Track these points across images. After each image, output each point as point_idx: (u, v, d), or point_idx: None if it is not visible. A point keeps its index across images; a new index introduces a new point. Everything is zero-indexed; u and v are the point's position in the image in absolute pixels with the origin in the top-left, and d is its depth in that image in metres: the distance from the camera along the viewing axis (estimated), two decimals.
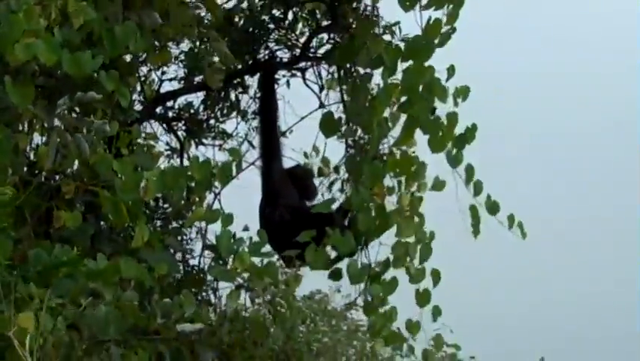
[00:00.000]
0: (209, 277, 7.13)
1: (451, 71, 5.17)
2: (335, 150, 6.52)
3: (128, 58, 5.87)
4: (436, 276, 5.47)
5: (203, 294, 7.25)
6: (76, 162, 5.00)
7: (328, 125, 5.28)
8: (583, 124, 16.97)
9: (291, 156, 6.58)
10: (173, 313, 4.84)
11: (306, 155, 6.70)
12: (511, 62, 16.74)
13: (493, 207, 5.57)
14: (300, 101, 6.92)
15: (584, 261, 16.68)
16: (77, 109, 5.17)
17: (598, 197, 17.07)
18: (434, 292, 5.55)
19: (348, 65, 5.98)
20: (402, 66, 5.06)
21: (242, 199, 6.58)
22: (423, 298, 5.46)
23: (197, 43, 6.78)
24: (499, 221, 5.60)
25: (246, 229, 6.15)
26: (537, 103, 17.52)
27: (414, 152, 5.57)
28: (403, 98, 5.08)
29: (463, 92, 5.48)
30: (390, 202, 5.41)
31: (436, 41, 4.99)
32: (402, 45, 5.15)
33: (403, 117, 5.21)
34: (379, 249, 5.44)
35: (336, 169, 6.43)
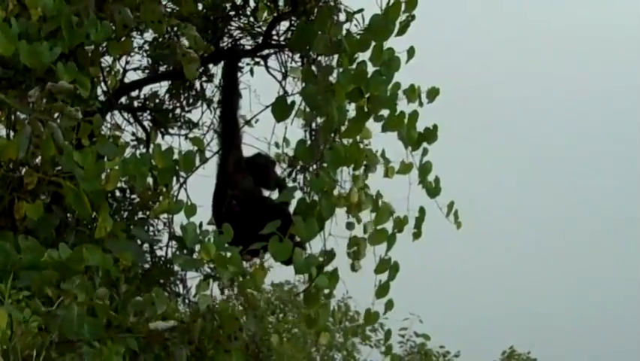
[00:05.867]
0: (177, 268, 7.12)
1: (411, 52, 5.19)
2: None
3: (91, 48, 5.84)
4: (394, 269, 5.49)
5: (172, 285, 7.24)
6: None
7: (280, 110, 5.27)
8: (586, 127, 17.17)
9: (253, 144, 6.56)
10: (145, 311, 4.80)
11: (277, 145, 6.68)
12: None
13: (434, 190, 5.63)
14: (267, 90, 6.90)
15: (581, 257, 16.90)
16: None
17: (598, 194, 17.30)
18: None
19: (310, 52, 5.97)
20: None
21: (208, 189, 6.56)
22: (382, 290, 5.48)
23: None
24: (439, 207, 5.66)
25: (211, 222, 6.15)
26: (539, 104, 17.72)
27: (368, 144, 5.62)
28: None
29: (432, 94, 5.52)
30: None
31: (397, 28, 5.01)
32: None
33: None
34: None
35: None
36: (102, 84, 6.94)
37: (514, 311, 15.62)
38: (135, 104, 7.55)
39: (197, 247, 5.01)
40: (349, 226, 5.61)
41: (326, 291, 5.25)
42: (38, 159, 5.16)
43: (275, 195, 6.30)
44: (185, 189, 6.89)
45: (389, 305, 5.53)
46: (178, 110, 7.60)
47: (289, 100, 5.30)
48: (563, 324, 15.51)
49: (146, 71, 7.36)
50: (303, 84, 5.37)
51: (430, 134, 5.53)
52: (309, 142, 5.37)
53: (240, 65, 6.73)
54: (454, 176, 5.76)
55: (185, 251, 5.12)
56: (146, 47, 7.23)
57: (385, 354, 6.28)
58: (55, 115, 4.66)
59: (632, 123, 16.98)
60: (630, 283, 15.69)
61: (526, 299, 15.82)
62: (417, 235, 5.65)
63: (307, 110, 5.27)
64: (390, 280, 5.47)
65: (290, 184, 6.68)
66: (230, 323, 5.11)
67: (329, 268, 5.20)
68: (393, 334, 6.52)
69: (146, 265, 6.84)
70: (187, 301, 7.37)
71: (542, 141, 17.90)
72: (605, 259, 16.85)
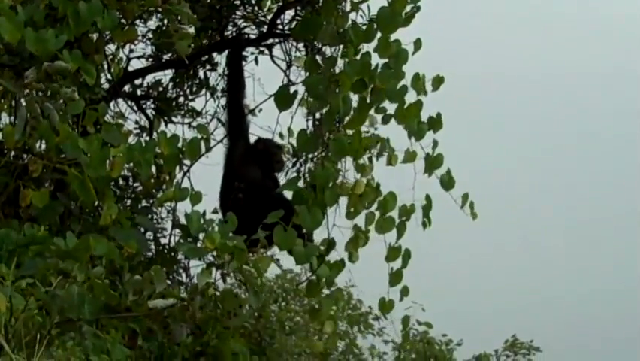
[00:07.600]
0: (180, 256, 7.12)
1: (417, 44, 5.19)
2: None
3: (95, 36, 5.83)
4: (407, 256, 5.48)
5: (174, 273, 7.24)
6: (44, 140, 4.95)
7: (282, 99, 5.27)
8: (590, 124, 17.16)
9: (258, 134, 6.55)
10: (144, 290, 4.80)
11: (281, 135, 6.68)
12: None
13: (448, 183, 5.61)
14: (272, 79, 6.88)
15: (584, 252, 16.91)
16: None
17: (599, 193, 17.31)
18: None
19: (315, 42, 5.97)
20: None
21: (212, 177, 6.55)
22: (395, 277, 5.47)
23: (165, 20, 6.73)
24: (453, 199, 5.64)
25: (215, 211, 6.15)
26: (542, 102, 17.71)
27: (375, 130, 5.61)
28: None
29: (437, 82, 5.52)
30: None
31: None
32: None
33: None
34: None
35: None
36: (106, 72, 6.95)
37: (516, 301, 15.64)
38: (139, 92, 7.55)
39: (201, 236, 5.01)
40: (349, 215, 5.60)
41: (328, 281, 5.23)
42: (43, 147, 5.17)
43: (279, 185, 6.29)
44: (189, 178, 6.90)
45: (405, 291, 5.52)
46: (181, 99, 7.60)
47: (292, 89, 5.31)
48: (565, 315, 15.54)
49: (150, 60, 7.35)
50: (307, 74, 5.37)
51: (435, 123, 5.53)
52: (309, 132, 5.37)
53: (244, 53, 6.72)
54: (457, 171, 5.75)
55: (189, 239, 5.13)
56: (150, 35, 7.22)
57: (402, 343, 6.22)
58: (60, 101, 4.66)
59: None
60: (631, 275, 15.73)
61: (528, 290, 15.85)
62: (426, 224, 5.62)
63: (311, 99, 5.26)
64: (403, 268, 5.46)
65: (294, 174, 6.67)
66: (229, 300, 5.10)
67: (336, 257, 5.21)
68: (395, 322, 6.50)
69: (150, 254, 6.83)
70: (189, 288, 7.37)
71: (543, 141, 17.93)
72: (608, 252, 16.88)
